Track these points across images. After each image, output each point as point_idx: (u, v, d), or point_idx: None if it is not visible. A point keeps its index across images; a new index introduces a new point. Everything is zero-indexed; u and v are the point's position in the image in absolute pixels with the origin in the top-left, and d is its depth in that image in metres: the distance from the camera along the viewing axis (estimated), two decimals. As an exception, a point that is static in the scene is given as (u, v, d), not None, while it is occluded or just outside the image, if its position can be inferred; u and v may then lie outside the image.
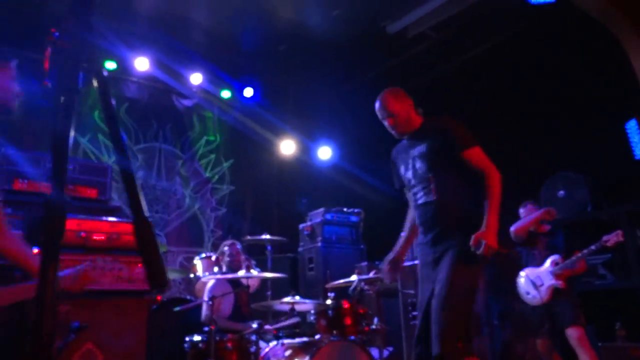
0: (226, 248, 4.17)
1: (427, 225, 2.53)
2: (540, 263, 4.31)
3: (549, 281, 4.14)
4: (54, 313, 0.68)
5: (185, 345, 3.36)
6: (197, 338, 3.33)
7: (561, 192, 5.70)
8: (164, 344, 4.07)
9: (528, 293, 4.29)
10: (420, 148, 2.61)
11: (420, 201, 2.57)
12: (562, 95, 5.67)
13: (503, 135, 6.25)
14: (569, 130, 5.72)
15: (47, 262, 0.70)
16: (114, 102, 0.96)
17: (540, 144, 6.01)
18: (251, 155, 7.40)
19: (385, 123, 2.72)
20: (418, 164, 2.60)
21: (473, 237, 2.31)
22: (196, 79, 6.63)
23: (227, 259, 4.11)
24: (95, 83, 0.90)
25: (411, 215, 2.77)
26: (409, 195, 2.74)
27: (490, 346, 4.87)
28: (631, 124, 4.79)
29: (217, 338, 3.24)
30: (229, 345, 3.24)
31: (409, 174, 2.66)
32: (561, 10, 4.69)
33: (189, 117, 7.09)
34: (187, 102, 7.01)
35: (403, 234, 2.83)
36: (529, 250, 4.46)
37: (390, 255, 2.81)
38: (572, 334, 3.87)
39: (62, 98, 0.78)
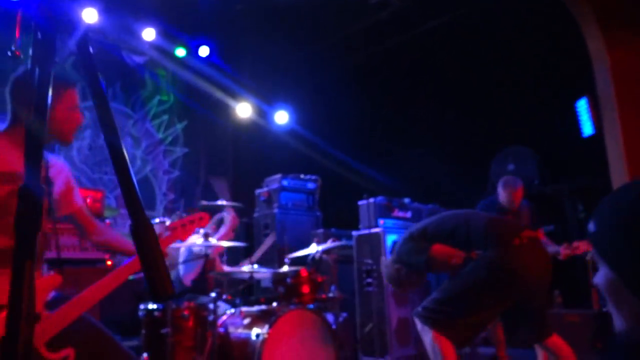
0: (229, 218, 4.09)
1: None
2: None
3: None
4: (32, 320, 0.60)
5: (140, 313, 3.28)
6: (152, 306, 3.25)
7: (511, 166, 5.89)
8: (117, 312, 3.97)
9: None
10: None
11: None
12: (518, 71, 5.79)
13: (457, 108, 6.37)
14: (522, 106, 5.88)
15: (21, 260, 0.62)
16: (100, 77, 0.84)
17: (494, 117, 6.16)
18: (206, 117, 7.17)
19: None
20: None
21: None
22: (149, 34, 6.27)
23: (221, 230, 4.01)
24: (76, 51, 0.78)
25: None
26: None
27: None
28: (581, 103, 4.96)
29: (174, 306, 3.18)
30: (186, 313, 3.20)
31: None
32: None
33: (140, 75, 6.75)
34: (138, 59, 6.66)
35: None
36: None
37: None
38: None
39: (37, 70, 0.69)
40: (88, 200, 2.64)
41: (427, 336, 2.55)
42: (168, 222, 4.28)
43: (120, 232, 5.30)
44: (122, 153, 0.72)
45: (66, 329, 1.70)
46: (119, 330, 3.99)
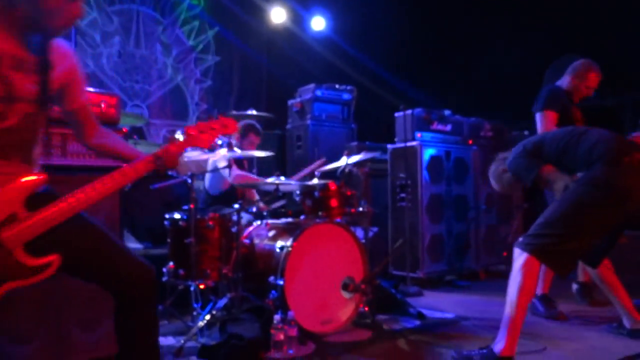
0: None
1: None
2: None
3: None
4: None
5: (166, 222, 3.26)
6: (177, 216, 3.22)
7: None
8: (145, 219, 4.01)
9: None
10: None
11: None
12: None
13: (507, 15, 5.79)
14: (579, 9, 5.27)
15: None
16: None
17: (547, 24, 5.57)
18: (239, 23, 6.82)
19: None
20: None
21: None
22: None
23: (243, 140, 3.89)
24: None
25: None
26: None
27: (475, 229, 4.92)
28: (655, 3, 4.34)
29: (198, 216, 3.13)
30: (210, 223, 3.15)
31: None
32: None
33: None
34: (166, -42, 6.26)
35: None
36: None
37: None
38: None
39: None
40: (102, 106, 2.48)
41: (519, 261, 2.39)
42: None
43: (153, 143, 5.27)
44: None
45: (53, 231, 1.48)
46: (150, 239, 4.06)
